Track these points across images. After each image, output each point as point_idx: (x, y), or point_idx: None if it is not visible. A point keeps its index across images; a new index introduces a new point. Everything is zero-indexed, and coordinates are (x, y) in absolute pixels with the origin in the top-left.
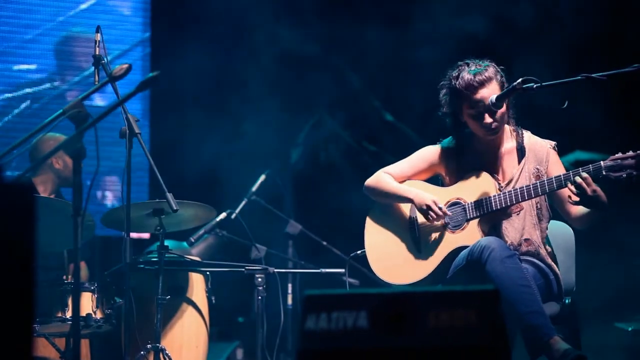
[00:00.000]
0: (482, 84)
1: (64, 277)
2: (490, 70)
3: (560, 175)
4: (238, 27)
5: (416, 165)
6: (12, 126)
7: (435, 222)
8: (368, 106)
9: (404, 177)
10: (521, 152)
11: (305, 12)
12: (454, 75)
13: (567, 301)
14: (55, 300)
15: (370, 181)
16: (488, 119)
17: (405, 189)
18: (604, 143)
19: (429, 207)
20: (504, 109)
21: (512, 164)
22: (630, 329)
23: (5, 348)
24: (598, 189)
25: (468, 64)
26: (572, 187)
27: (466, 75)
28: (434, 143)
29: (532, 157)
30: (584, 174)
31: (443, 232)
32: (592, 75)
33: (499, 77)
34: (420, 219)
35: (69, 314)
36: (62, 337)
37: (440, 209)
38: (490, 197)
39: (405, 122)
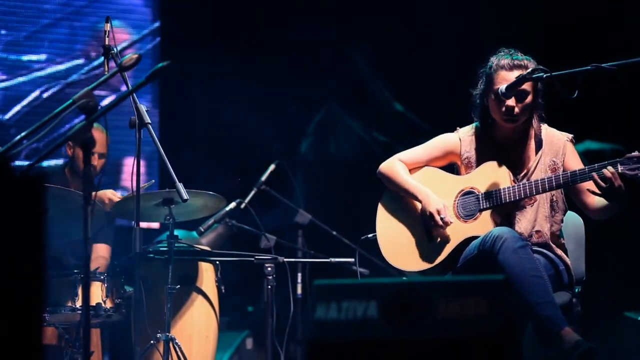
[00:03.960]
0: (517, 66)
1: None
2: (530, 62)
3: (575, 171)
4: (248, 16)
5: (432, 153)
6: (21, 117)
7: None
8: (378, 96)
9: (419, 164)
10: (538, 144)
11: (317, 1)
12: (493, 57)
13: (577, 291)
14: (65, 290)
15: (384, 168)
16: (511, 102)
17: (415, 187)
18: (615, 133)
19: (431, 216)
20: (529, 100)
21: (529, 155)
22: None
23: (15, 337)
24: (622, 184)
25: (509, 51)
26: (599, 180)
27: (503, 57)
28: (446, 132)
29: (548, 149)
30: (611, 169)
31: (455, 221)
32: (602, 65)
33: (529, 66)
34: None
35: (78, 303)
36: (72, 326)
37: (442, 219)
38: (503, 189)
39: (415, 112)
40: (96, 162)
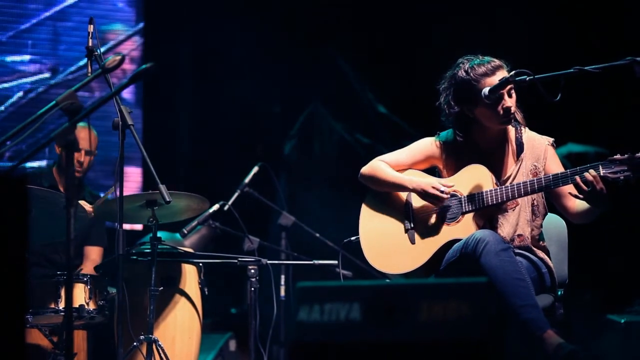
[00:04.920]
0: (497, 68)
1: (80, 267)
2: (496, 60)
3: (558, 174)
4: (231, 16)
5: (413, 156)
6: (5, 118)
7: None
8: (362, 98)
9: (401, 166)
10: (519, 148)
11: (299, 2)
12: (461, 70)
13: (559, 294)
14: (49, 291)
15: (366, 169)
16: (508, 102)
17: (402, 178)
18: (598, 135)
19: (431, 195)
20: (515, 95)
21: (510, 160)
22: (623, 321)
23: None
24: (604, 187)
25: (470, 59)
26: (581, 183)
27: (478, 65)
28: (429, 135)
29: (529, 153)
30: (593, 172)
31: (438, 224)
32: (586, 68)
33: (504, 65)
34: (416, 204)
35: (61, 305)
36: (55, 328)
37: (442, 192)
38: (485, 192)
39: (398, 114)
40: (83, 158)
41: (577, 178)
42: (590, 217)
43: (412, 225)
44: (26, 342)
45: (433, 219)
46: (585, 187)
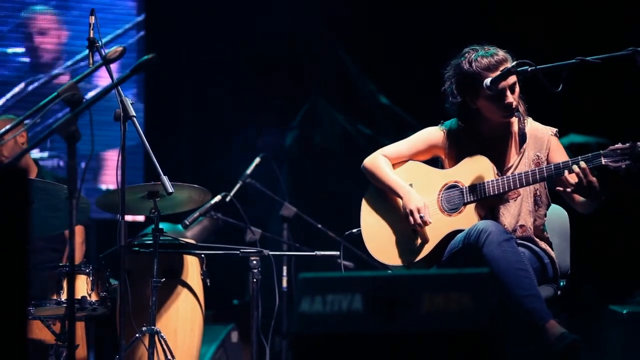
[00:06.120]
0: (501, 62)
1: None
2: (501, 52)
3: (559, 163)
4: (232, 9)
5: (415, 146)
6: (6, 109)
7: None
8: (363, 89)
9: (402, 158)
10: (522, 138)
11: None
12: (465, 61)
13: (562, 284)
14: (50, 283)
15: (367, 163)
16: (510, 98)
17: (397, 183)
18: (599, 126)
19: (410, 213)
20: (518, 89)
21: (513, 150)
22: (625, 311)
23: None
24: (594, 180)
25: (476, 50)
26: (568, 177)
27: (482, 57)
28: (431, 126)
29: (532, 143)
30: (582, 164)
31: (440, 215)
32: (587, 58)
33: (509, 58)
34: None
35: (64, 297)
36: (57, 319)
37: (421, 217)
38: (487, 182)
39: (400, 105)
40: None
41: (566, 171)
42: (588, 208)
43: None
44: (28, 333)
45: (434, 210)
46: (571, 181)
